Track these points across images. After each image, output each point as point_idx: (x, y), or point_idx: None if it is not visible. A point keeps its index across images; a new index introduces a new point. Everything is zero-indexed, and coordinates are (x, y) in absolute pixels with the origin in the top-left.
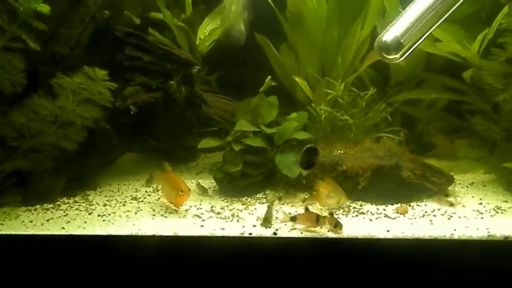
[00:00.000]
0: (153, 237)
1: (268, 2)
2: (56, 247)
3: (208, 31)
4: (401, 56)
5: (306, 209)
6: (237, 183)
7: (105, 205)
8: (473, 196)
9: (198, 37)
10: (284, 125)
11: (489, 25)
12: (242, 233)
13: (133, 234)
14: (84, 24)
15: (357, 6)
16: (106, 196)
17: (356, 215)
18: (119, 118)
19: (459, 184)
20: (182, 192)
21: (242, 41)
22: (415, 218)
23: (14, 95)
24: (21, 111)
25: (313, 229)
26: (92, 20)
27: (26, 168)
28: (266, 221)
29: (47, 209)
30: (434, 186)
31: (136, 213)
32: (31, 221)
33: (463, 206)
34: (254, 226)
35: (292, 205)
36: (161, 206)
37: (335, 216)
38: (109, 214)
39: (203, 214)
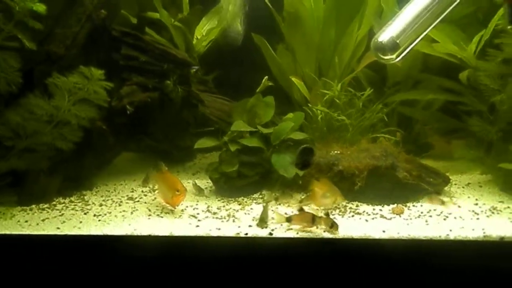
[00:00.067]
0: (149, 237)
1: (265, 2)
2: (51, 247)
3: (205, 31)
4: (397, 57)
5: (301, 209)
6: (233, 183)
7: (101, 205)
8: (469, 197)
9: (195, 37)
10: (281, 125)
11: (486, 26)
12: (238, 233)
13: (129, 234)
14: (80, 23)
15: (354, 6)
16: (102, 196)
17: (352, 216)
18: (116, 117)
19: (455, 184)
20: (178, 192)
21: (239, 41)
22: (411, 218)
23: (10, 94)
24: (17, 111)
25: (308, 229)
26: (89, 19)
27: (21, 168)
28: (262, 221)
29: (43, 209)
30: (430, 186)
31: (132, 213)
32: (26, 221)
33: (459, 206)
34: (250, 226)
35: (289, 206)
36: (157, 206)
37: (331, 217)
38: (105, 214)
39: (199, 214)
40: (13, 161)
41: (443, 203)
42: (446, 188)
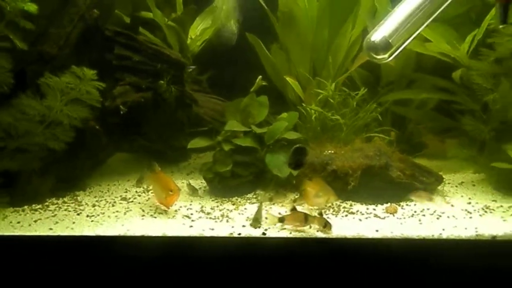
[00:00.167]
0: (142, 237)
1: (259, 1)
2: (44, 248)
3: (199, 30)
4: (389, 56)
5: (294, 208)
6: (227, 183)
7: (94, 205)
8: (462, 196)
9: (189, 36)
10: (275, 125)
11: (479, 25)
12: (231, 233)
13: (122, 234)
14: (73, 23)
15: (347, 5)
16: (95, 197)
17: (346, 215)
18: (109, 118)
19: (449, 183)
20: (171, 191)
21: (234, 40)
22: (404, 218)
23: (1, 95)
24: (9, 111)
25: (301, 228)
26: (81, 19)
27: (13, 168)
28: (256, 221)
29: (35, 210)
30: (424, 185)
31: (125, 213)
32: (18, 222)
33: (452, 205)
34: (243, 226)
35: (283, 205)
36: (150, 206)
37: (325, 216)
38: (98, 215)
39: (192, 214)
40: (5, 162)
41: (430, 199)
42: (439, 187)
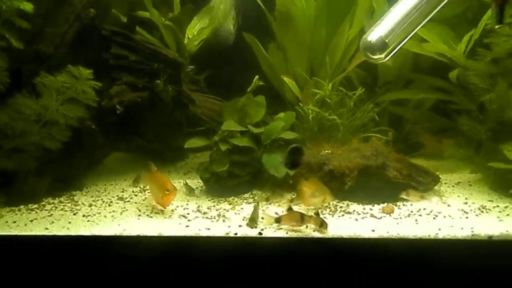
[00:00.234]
0: (138, 237)
1: (256, 1)
2: (39, 247)
3: (196, 30)
4: (386, 56)
5: (290, 208)
6: (224, 183)
7: (90, 205)
8: (458, 196)
9: (186, 36)
10: (271, 125)
11: (476, 25)
12: (228, 233)
13: (118, 234)
14: (69, 22)
15: (345, 5)
16: (92, 196)
17: (342, 215)
18: (105, 117)
19: (445, 183)
20: (168, 191)
21: (231, 40)
22: (400, 217)
23: None
24: (5, 111)
25: (298, 228)
26: (77, 18)
27: (9, 168)
28: (252, 221)
29: (32, 210)
30: (420, 185)
31: (121, 213)
32: (14, 222)
33: (449, 205)
34: (240, 226)
35: (279, 205)
36: (147, 206)
37: (321, 216)
38: (94, 215)
39: (189, 214)
40: (1, 162)
41: (422, 197)
42: (436, 187)
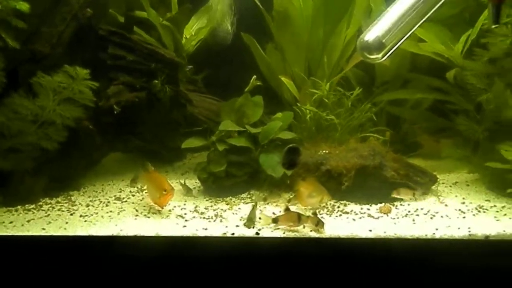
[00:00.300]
0: (135, 237)
1: (254, 1)
2: (36, 248)
3: (194, 30)
4: (383, 56)
5: (287, 208)
6: (221, 183)
7: (88, 205)
8: (456, 196)
9: (184, 36)
10: (269, 125)
11: (473, 25)
12: (225, 233)
13: (115, 234)
14: (65, 22)
15: (342, 5)
16: (89, 197)
17: (340, 215)
18: (103, 117)
19: (443, 183)
20: (165, 191)
21: (229, 40)
22: (398, 217)
23: None
24: (1, 111)
25: (295, 228)
26: (74, 18)
27: (6, 168)
28: (250, 221)
29: (29, 210)
30: (418, 185)
31: (119, 213)
32: (11, 222)
33: (446, 205)
34: (237, 226)
35: (277, 205)
36: (144, 206)
37: (319, 216)
38: (91, 215)
39: (186, 214)
40: None
41: (413, 194)
42: (433, 187)
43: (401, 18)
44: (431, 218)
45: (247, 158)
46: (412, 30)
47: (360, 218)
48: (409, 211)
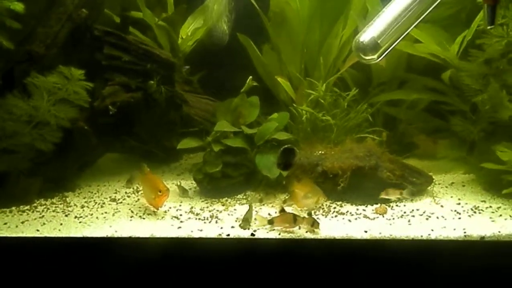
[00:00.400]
0: (129, 238)
1: (251, 1)
2: (30, 250)
3: (190, 30)
4: (378, 57)
5: (282, 210)
6: (217, 184)
7: (83, 206)
8: (452, 196)
9: (180, 36)
10: (265, 126)
11: (469, 26)
12: (220, 235)
13: (109, 236)
14: (61, 22)
15: (339, 6)
16: (84, 198)
17: (336, 216)
18: (98, 118)
19: (439, 184)
20: (160, 192)
21: (225, 41)
22: (393, 218)
23: None
24: None
25: (291, 229)
26: (69, 19)
27: (1, 169)
28: (246, 222)
29: (23, 211)
30: (413, 186)
31: (113, 214)
32: (5, 223)
33: (442, 206)
34: (232, 227)
35: (273, 206)
36: (140, 207)
37: (314, 217)
38: (86, 216)
39: (181, 215)
40: None
41: (401, 193)
42: (429, 188)
43: (397, 19)
44: (427, 219)
45: (243, 158)
46: (408, 31)
47: (356, 219)
48: (404, 212)
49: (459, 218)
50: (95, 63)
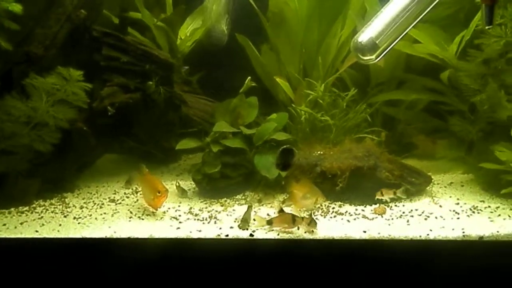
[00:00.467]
0: (128, 239)
1: (249, 2)
2: (29, 251)
3: (189, 31)
4: (376, 57)
5: (281, 210)
6: (216, 185)
7: (81, 207)
8: (450, 196)
9: (179, 37)
10: (263, 126)
11: (467, 26)
12: (219, 235)
13: (108, 237)
14: (59, 23)
15: (337, 6)
16: (83, 198)
17: (334, 216)
18: (97, 119)
19: (438, 184)
20: (159, 193)
21: (224, 41)
22: (392, 218)
23: None
24: None
25: (290, 230)
26: (68, 19)
27: (0, 170)
28: (245, 222)
29: (22, 212)
30: (412, 186)
31: (112, 215)
32: (4, 224)
33: (440, 206)
34: (231, 228)
35: (272, 207)
36: (139, 208)
37: (313, 217)
38: (85, 217)
39: (180, 216)
40: None
41: (394, 193)
42: (428, 188)
43: (395, 19)
44: (426, 219)
45: (241, 159)
46: (406, 31)
47: (355, 219)
48: (403, 212)
49: (458, 218)
50: (94, 64)
